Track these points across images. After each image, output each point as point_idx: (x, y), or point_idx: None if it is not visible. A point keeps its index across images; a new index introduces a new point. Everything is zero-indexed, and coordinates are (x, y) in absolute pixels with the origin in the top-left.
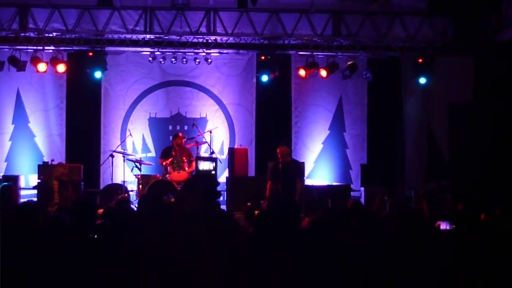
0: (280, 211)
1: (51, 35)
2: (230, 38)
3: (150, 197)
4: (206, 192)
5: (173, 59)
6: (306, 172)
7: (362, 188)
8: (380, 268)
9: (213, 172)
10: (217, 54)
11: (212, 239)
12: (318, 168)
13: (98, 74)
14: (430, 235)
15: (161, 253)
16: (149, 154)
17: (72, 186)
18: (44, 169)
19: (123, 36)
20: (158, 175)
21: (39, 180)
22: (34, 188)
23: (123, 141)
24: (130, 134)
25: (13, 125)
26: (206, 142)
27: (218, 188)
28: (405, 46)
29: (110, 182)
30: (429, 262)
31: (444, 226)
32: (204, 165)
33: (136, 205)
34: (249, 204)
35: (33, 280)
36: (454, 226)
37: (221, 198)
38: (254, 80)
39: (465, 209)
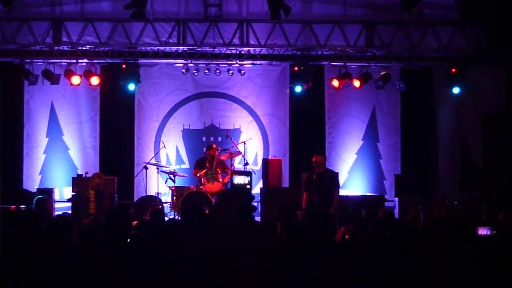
0: (314, 223)
1: (84, 48)
2: (263, 49)
3: (193, 208)
4: (240, 206)
5: (206, 71)
6: (340, 182)
7: (396, 199)
8: (417, 278)
9: (248, 186)
10: (250, 65)
11: (245, 252)
12: (352, 179)
13: (131, 87)
14: (472, 242)
15: (195, 266)
16: (183, 166)
17: (108, 196)
18: (78, 182)
19: (156, 48)
20: (192, 186)
21: (73, 193)
22: (68, 200)
23: (157, 153)
24: (164, 146)
25: (47, 138)
26: (240, 153)
27: (254, 201)
28: (437, 56)
29: (144, 194)
30: (470, 268)
31: (483, 231)
32: (239, 179)
33: (172, 217)
34: (284, 216)
35: None
36: (495, 232)
37: (256, 210)
38: (288, 91)
39: (508, 217)
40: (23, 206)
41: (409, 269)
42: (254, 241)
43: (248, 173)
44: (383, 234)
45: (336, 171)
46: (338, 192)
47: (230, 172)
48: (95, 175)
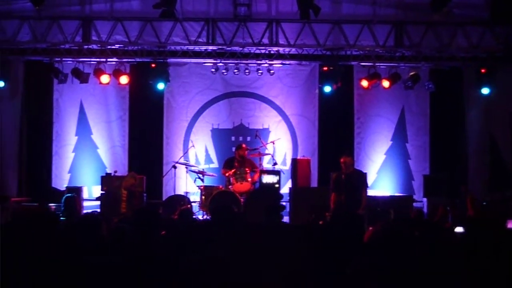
0: (343, 224)
1: (114, 47)
2: (293, 49)
3: (223, 208)
4: (269, 206)
5: (235, 70)
6: (369, 183)
7: (425, 199)
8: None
9: (277, 185)
10: (280, 65)
11: (273, 251)
12: (381, 179)
13: (160, 86)
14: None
15: (224, 266)
16: (211, 165)
17: (138, 195)
18: (107, 180)
19: (185, 47)
20: (221, 186)
21: (102, 191)
22: (97, 199)
23: (185, 152)
24: (193, 145)
25: (76, 137)
26: (269, 153)
27: (282, 200)
28: (467, 56)
29: (173, 194)
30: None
31: None
32: (268, 179)
33: (202, 216)
34: (312, 216)
35: None
36: None
37: (284, 209)
38: (317, 91)
39: None
40: (52, 204)
41: (437, 269)
42: (283, 241)
43: (277, 172)
44: (413, 234)
45: (365, 172)
46: (367, 192)
47: (259, 171)
48: (129, 175)
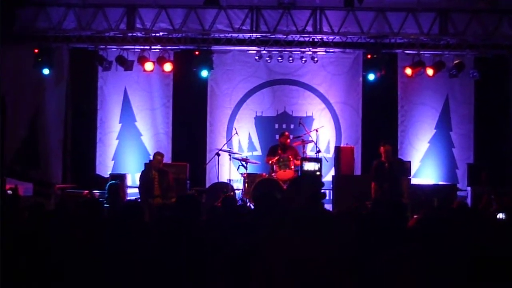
0: (386, 211)
1: (158, 34)
2: (337, 37)
3: (265, 195)
4: (310, 193)
5: (279, 58)
6: (412, 171)
7: (469, 188)
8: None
9: (318, 173)
10: (323, 53)
11: (316, 238)
12: (424, 167)
13: (204, 73)
14: None
15: (267, 253)
16: (255, 153)
17: (172, 177)
18: None
19: (229, 35)
20: (264, 173)
21: None
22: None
23: (229, 140)
24: (236, 133)
25: (120, 124)
26: (312, 140)
27: (323, 188)
28: None
29: (216, 181)
30: None
31: None
32: (309, 166)
33: (246, 203)
34: (355, 204)
35: (134, 279)
36: None
37: (327, 197)
38: (360, 79)
39: None
40: (96, 191)
41: (480, 256)
42: (325, 229)
43: (318, 160)
44: (455, 222)
45: (408, 160)
46: (409, 180)
47: (300, 159)
48: (155, 153)
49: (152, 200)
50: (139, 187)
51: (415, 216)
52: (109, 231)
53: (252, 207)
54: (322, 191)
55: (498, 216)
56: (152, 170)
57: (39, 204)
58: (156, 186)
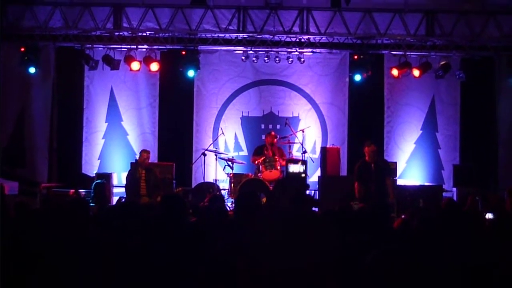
0: (372, 212)
1: (144, 34)
2: (323, 38)
3: (248, 194)
4: (296, 194)
5: (266, 58)
6: (398, 172)
7: (454, 189)
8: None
9: (303, 175)
10: (310, 54)
11: (301, 239)
12: (410, 168)
13: (191, 73)
14: None
15: (252, 253)
16: (241, 153)
17: (158, 174)
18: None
19: (216, 35)
20: (250, 174)
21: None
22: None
23: (215, 140)
24: (223, 133)
25: (107, 123)
26: (298, 141)
27: (309, 189)
28: (499, 46)
29: (202, 181)
30: None
31: None
32: (294, 168)
33: (231, 204)
34: (340, 205)
35: (117, 280)
36: None
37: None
38: (347, 79)
39: None
40: (82, 190)
41: (467, 256)
42: (310, 227)
43: (303, 162)
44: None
45: (394, 161)
46: (394, 181)
47: (286, 160)
48: (141, 151)
49: (138, 199)
50: (125, 187)
51: (402, 216)
52: (97, 230)
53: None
54: (310, 194)
55: (486, 217)
56: (139, 168)
57: (23, 203)
58: (143, 185)
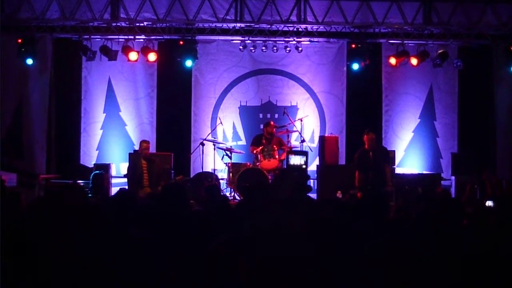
0: (371, 201)
1: (142, 24)
2: (321, 27)
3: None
4: (296, 186)
5: (263, 48)
6: (397, 161)
7: (453, 177)
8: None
9: (304, 166)
10: (308, 43)
11: (301, 228)
12: (408, 157)
13: (188, 63)
14: None
15: (253, 242)
16: (239, 142)
17: (162, 168)
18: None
19: (213, 25)
20: (248, 163)
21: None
22: (125, 176)
23: (213, 130)
24: (221, 123)
25: (105, 114)
26: (296, 130)
27: (310, 180)
28: (496, 34)
29: (201, 170)
30: None
31: None
32: (295, 160)
33: (229, 193)
34: (339, 192)
35: (123, 269)
36: None
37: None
38: (345, 68)
39: None
40: (80, 181)
41: (461, 248)
42: (310, 216)
43: (304, 153)
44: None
45: (393, 149)
46: (392, 169)
47: (286, 149)
48: (141, 141)
49: (141, 190)
50: (127, 177)
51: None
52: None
53: (237, 197)
54: (309, 184)
55: (486, 204)
56: (141, 159)
57: (15, 193)
58: (145, 176)
